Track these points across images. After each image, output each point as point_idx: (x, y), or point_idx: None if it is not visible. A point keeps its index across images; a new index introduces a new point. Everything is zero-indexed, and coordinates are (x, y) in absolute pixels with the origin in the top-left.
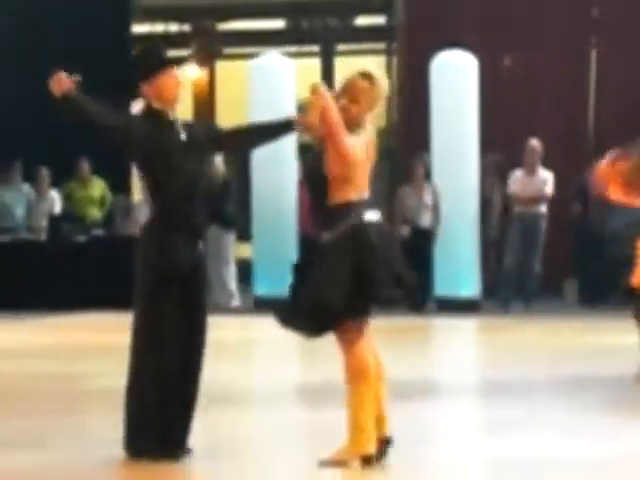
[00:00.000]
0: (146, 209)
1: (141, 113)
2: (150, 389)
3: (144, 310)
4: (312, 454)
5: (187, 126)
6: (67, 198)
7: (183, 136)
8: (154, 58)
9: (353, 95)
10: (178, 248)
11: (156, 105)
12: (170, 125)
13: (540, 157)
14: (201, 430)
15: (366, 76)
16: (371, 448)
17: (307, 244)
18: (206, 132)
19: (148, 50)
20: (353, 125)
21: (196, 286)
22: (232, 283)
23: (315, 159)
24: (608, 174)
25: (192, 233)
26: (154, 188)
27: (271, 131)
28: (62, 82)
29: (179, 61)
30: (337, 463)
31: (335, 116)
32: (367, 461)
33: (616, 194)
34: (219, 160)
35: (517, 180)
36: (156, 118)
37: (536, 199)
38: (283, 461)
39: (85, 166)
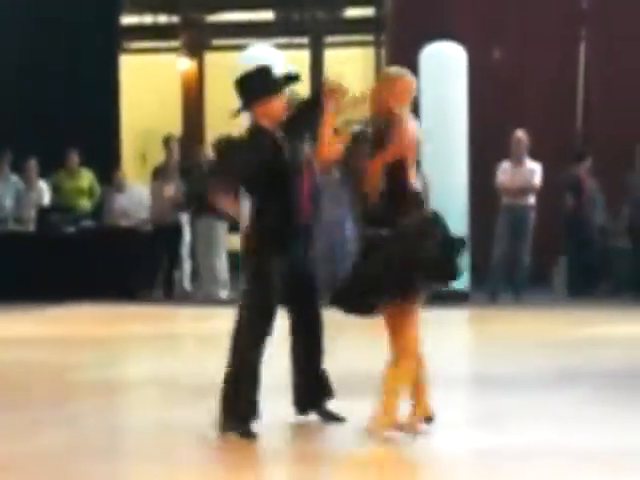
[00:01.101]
0: (127, 198)
1: (250, 132)
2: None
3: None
4: (310, 444)
5: (283, 137)
6: (56, 189)
7: (287, 149)
8: (268, 80)
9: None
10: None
11: (263, 123)
12: (277, 142)
13: (527, 148)
14: (201, 424)
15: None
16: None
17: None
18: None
19: (262, 72)
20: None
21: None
22: (224, 274)
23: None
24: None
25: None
26: (266, 205)
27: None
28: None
29: (287, 83)
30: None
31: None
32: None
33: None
34: (209, 149)
35: (505, 171)
36: (264, 137)
37: (524, 190)
38: (282, 452)
39: (74, 157)
